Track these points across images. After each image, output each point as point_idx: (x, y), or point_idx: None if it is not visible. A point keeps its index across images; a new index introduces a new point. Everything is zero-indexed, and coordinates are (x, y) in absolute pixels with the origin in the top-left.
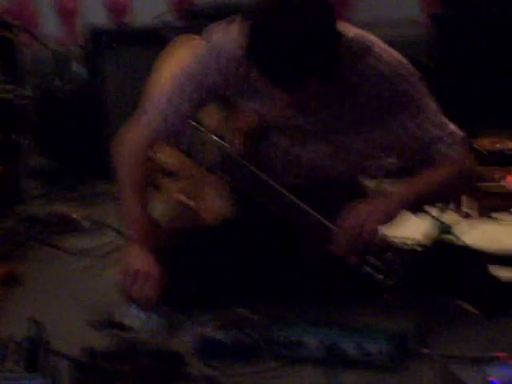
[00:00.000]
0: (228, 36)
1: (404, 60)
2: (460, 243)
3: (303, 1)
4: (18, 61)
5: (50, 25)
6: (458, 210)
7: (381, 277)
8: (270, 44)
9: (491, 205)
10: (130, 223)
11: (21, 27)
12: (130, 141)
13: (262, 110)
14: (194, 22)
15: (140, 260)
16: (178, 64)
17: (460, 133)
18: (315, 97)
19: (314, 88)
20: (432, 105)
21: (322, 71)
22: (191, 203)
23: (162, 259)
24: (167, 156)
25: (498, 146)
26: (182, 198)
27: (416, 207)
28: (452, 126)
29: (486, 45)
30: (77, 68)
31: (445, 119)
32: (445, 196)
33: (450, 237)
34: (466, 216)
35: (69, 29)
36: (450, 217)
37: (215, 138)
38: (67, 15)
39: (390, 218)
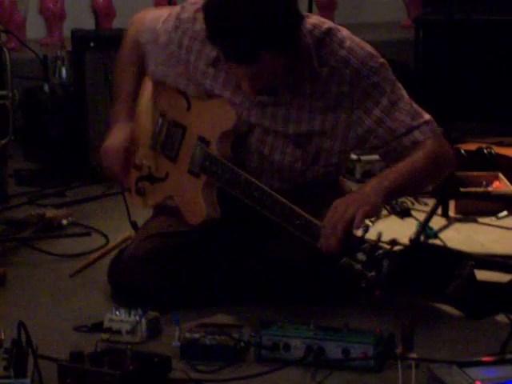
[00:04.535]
0: (197, 16)
1: (374, 51)
2: (445, 246)
3: None
4: (5, 65)
5: (36, 29)
6: (444, 214)
7: (372, 274)
8: (219, 13)
9: (477, 209)
10: (117, 99)
11: (8, 32)
12: (137, 22)
13: (234, 99)
14: None
15: (112, 138)
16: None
17: (430, 117)
18: (275, 76)
19: (271, 64)
20: (403, 93)
21: (273, 43)
22: (176, 206)
23: (150, 262)
24: (152, 162)
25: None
26: (168, 201)
27: (396, 196)
28: (422, 112)
29: (471, 47)
30: (65, 73)
31: (415, 106)
32: (426, 182)
33: (436, 241)
34: (453, 221)
35: (55, 33)
36: (436, 222)
37: (197, 140)
38: (54, 20)
39: (370, 206)
